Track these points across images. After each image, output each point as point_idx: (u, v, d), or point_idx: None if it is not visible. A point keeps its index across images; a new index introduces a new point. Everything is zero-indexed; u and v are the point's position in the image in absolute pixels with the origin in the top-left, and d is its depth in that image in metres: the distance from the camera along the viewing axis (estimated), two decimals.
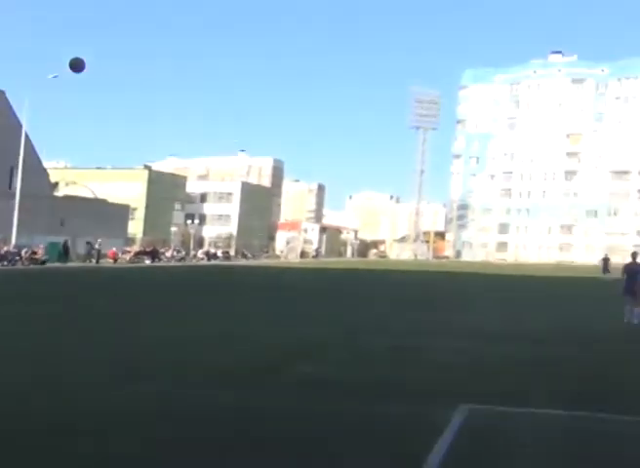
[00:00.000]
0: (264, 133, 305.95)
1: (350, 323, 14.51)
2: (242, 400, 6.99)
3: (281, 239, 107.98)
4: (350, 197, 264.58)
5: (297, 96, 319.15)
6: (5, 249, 41.39)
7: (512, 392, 7.72)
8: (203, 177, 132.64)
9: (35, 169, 51.99)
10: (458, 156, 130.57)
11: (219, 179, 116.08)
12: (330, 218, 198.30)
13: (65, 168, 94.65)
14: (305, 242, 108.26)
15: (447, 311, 18.06)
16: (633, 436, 6.19)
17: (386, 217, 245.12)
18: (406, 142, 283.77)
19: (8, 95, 53.25)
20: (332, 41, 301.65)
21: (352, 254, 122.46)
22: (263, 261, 71.52)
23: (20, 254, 41.86)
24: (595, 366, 9.85)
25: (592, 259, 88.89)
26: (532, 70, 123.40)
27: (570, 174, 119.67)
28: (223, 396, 7.16)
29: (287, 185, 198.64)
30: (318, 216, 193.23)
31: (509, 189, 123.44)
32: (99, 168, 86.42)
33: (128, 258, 53.26)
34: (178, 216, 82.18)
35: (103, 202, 63.39)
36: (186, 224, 79.05)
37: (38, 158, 55.79)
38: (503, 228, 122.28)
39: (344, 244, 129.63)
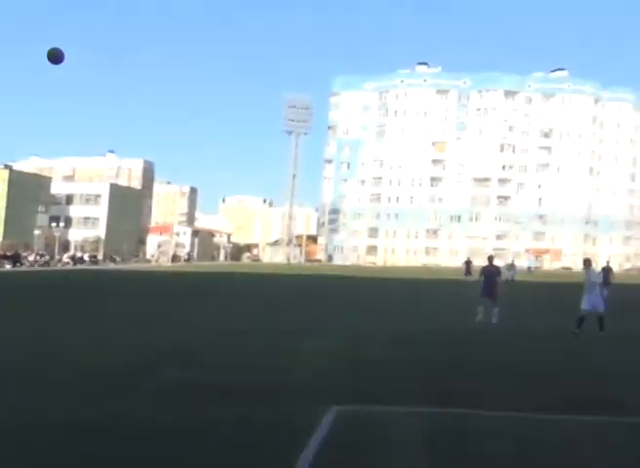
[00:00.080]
0: (134, 133, 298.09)
1: (224, 324, 14.45)
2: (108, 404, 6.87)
3: (152, 243, 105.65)
4: (223, 200, 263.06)
5: (169, 97, 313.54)
6: None
7: (381, 392, 8.03)
8: (69, 178, 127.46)
9: None
10: (329, 161, 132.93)
11: (86, 181, 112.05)
12: (203, 222, 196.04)
13: None
14: (177, 246, 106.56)
15: (318, 313, 18.37)
16: (490, 431, 6.62)
17: (259, 221, 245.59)
18: (279, 147, 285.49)
19: None
20: (205, 43, 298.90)
21: (225, 258, 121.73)
22: (133, 266, 69.66)
23: None
24: (457, 365, 10.37)
25: (456, 262, 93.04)
26: (399, 80, 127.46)
27: (435, 180, 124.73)
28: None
29: (158, 188, 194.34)
30: (190, 220, 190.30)
31: (379, 194, 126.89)
32: None
33: None
34: (41, 219, 78.53)
35: None
36: (51, 227, 75.68)
37: None
38: (373, 232, 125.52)
39: (217, 248, 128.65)
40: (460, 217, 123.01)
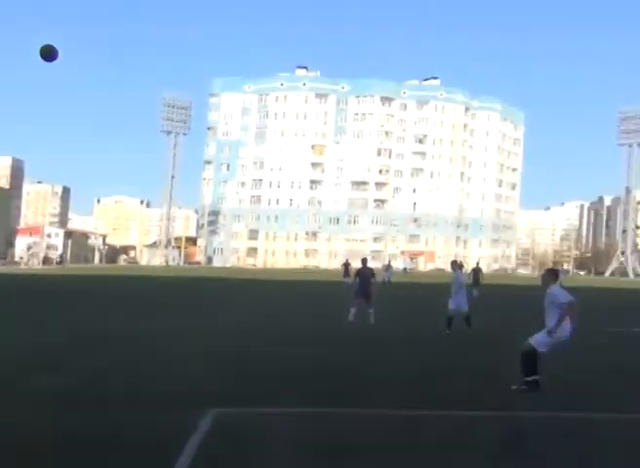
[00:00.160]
0: (1, 130, 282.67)
1: (99, 329, 13.99)
2: None
3: (21, 245, 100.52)
4: (98, 201, 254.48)
5: (42, 92, 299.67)
6: None
7: (262, 393, 8.05)
8: None
9: None
10: (209, 162, 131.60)
11: None
12: (76, 223, 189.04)
13: None
14: (49, 248, 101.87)
15: (202, 314, 18.15)
16: (372, 428, 6.80)
17: (137, 222, 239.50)
18: (157, 147, 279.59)
19: None
20: (82, 39, 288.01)
21: (100, 261, 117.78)
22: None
23: None
24: (333, 365, 10.55)
25: (335, 264, 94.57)
26: (279, 83, 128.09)
27: (315, 183, 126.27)
28: None
29: (28, 187, 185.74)
30: (63, 221, 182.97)
31: (259, 196, 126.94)
32: None
33: None
34: None
35: None
36: None
37: None
38: (253, 234, 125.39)
39: (92, 250, 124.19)
40: (338, 220, 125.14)
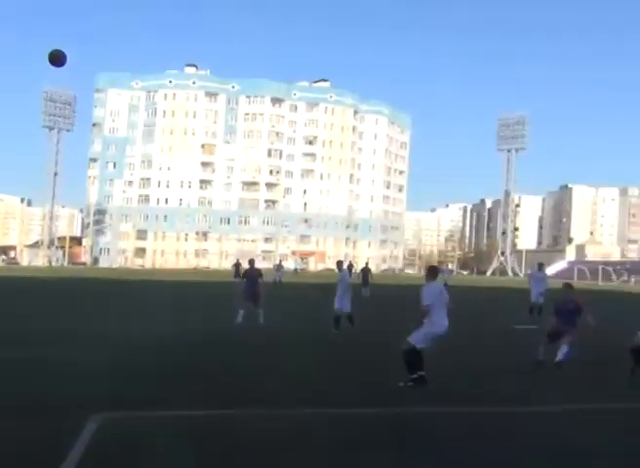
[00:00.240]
0: None
1: None
2: None
3: None
4: None
5: None
6: None
7: (151, 397, 7.91)
8: None
9: None
10: (94, 160, 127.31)
11: None
12: None
13: None
14: None
15: (86, 317, 17.55)
16: (265, 427, 6.82)
17: (17, 222, 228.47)
18: (39, 143, 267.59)
19: None
20: None
21: None
22: None
23: None
24: (218, 366, 10.51)
25: (226, 264, 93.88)
26: (168, 80, 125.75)
27: (205, 182, 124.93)
28: None
29: None
30: None
31: (147, 195, 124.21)
32: None
33: None
34: None
35: None
36: None
37: None
38: (142, 234, 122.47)
39: None
40: (229, 220, 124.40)
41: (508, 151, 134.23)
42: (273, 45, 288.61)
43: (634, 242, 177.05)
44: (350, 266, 40.61)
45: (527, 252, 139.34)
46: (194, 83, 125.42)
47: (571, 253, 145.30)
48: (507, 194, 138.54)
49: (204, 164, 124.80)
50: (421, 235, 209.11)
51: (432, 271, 9.58)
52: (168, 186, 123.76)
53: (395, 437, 6.54)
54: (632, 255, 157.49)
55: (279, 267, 47.88)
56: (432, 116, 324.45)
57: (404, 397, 8.36)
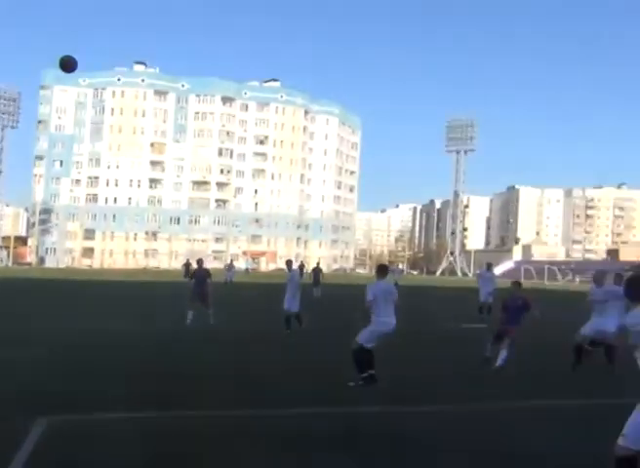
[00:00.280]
0: None
1: None
2: None
3: None
4: None
5: None
6: None
7: (96, 398, 7.79)
8: None
9: None
10: (40, 158, 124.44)
11: None
12: None
13: None
14: None
15: (30, 317, 17.18)
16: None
17: None
18: None
19: None
20: None
21: None
22: None
23: None
24: (166, 367, 10.41)
25: (176, 264, 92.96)
26: (116, 77, 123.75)
27: (154, 182, 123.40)
28: None
29: None
30: None
31: (95, 194, 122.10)
32: None
33: None
34: None
35: None
36: None
37: None
38: (89, 234, 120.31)
39: None
40: (179, 219, 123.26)
41: (457, 153, 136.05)
42: (223, 44, 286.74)
43: (578, 242, 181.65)
44: (302, 266, 40.79)
45: (475, 252, 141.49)
46: (143, 81, 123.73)
47: (518, 253, 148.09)
48: (456, 195, 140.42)
49: (153, 163, 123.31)
50: (372, 235, 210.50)
51: (381, 269, 9.68)
52: (117, 185, 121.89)
53: (345, 436, 6.58)
54: (577, 255, 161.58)
55: (230, 267, 47.70)
56: (382, 117, 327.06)
57: (354, 396, 8.42)
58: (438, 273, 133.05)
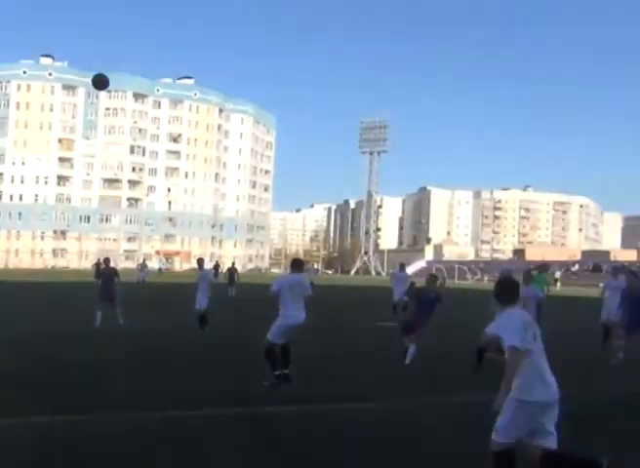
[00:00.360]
0: None
1: None
2: None
3: None
4: None
5: None
6: None
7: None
8: None
9: None
10: None
11: None
12: None
13: None
14: None
15: None
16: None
17: None
18: None
19: None
20: None
21: None
22: None
23: None
24: (82, 368, 10.09)
25: (86, 264, 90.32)
26: (22, 70, 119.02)
27: (62, 179, 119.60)
28: None
29: None
30: None
31: (0, 192, 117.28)
32: None
33: None
34: None
35: None
36: None
37: None
38: None
39: None
40: (89, 218, 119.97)
41: (370, 154, 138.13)
42: (136, 41, 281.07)
43: (487, 242, 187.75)
44: (217, 266, 40.44)
45: (389, 251, 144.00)
46: (51, 75, 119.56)
47: (429, 253, 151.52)
48: (370, 195, 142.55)
49: (62, 159, 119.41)
50: (287, 235, 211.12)
51: (296, 263, 9.64)
52: (22, 182, 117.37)
53: (252, 436, 6.52)
54: (485, 255, 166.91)
55: (143, 267, 46.84)
56: (297, 117, 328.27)
57: (266, 395, 8.35)
58: (352, 272, 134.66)
